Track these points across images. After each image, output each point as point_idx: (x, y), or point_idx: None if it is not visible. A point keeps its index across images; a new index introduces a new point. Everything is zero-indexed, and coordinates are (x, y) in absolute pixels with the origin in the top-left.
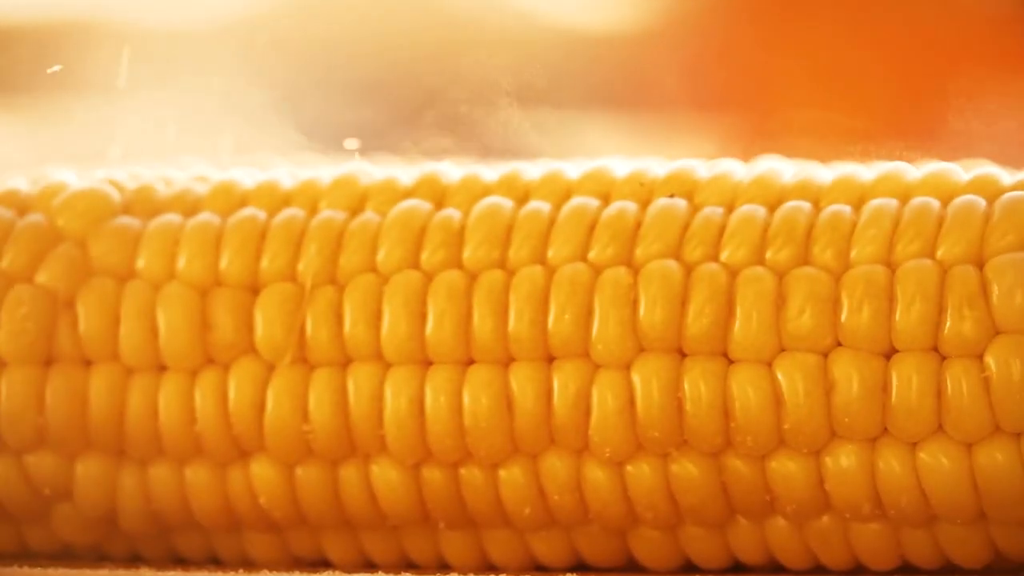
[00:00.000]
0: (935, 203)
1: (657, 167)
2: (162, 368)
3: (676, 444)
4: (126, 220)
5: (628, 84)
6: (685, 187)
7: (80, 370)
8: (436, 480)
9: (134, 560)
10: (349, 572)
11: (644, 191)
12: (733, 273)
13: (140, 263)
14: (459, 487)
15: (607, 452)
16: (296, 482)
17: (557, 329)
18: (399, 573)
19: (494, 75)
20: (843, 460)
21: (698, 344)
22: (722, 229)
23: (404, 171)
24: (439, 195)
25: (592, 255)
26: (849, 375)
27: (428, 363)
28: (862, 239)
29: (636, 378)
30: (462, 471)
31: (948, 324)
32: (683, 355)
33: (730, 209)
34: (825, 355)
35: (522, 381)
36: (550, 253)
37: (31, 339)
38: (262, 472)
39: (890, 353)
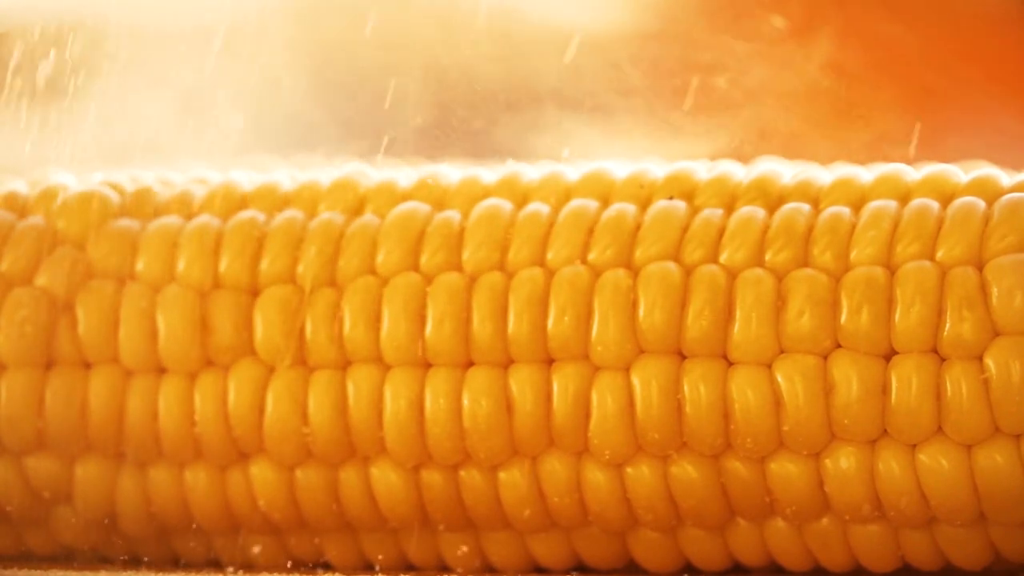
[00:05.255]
0: (934, 204)
1: (656, 169)
2: (161, 370)
3: (676, 446)
4: (125, 222)
5: (629, 84)
6: (684, 189)
7: (80, 372)
8: (436, 482)
9: (134, 562)
10: (349, 574)
11: (643, 193)
12: (732, 275)
13: (139, 265)
14: (459, 489)
15: (607, 454)
16: (296, 484)
17: (557, 331)
18: (399, 575)
19: (493, 76)
20: (843, 462)
21: (698, 346)
22: (721, 231)
23: (403, 173)
24: (438, 197)
25: (592, 257)
26: (849, 377)
27: (428, 365)
28: (861, 241)
29: (636, 380)
30: (462, 473)
31: (948, 326)
32: (683, 357)
33: (729, 211)
34: (825, 357)
35: (522, 383)
36: (549, 255)
37: (31, 341)
38: (262, 474)
39: (890, 355)
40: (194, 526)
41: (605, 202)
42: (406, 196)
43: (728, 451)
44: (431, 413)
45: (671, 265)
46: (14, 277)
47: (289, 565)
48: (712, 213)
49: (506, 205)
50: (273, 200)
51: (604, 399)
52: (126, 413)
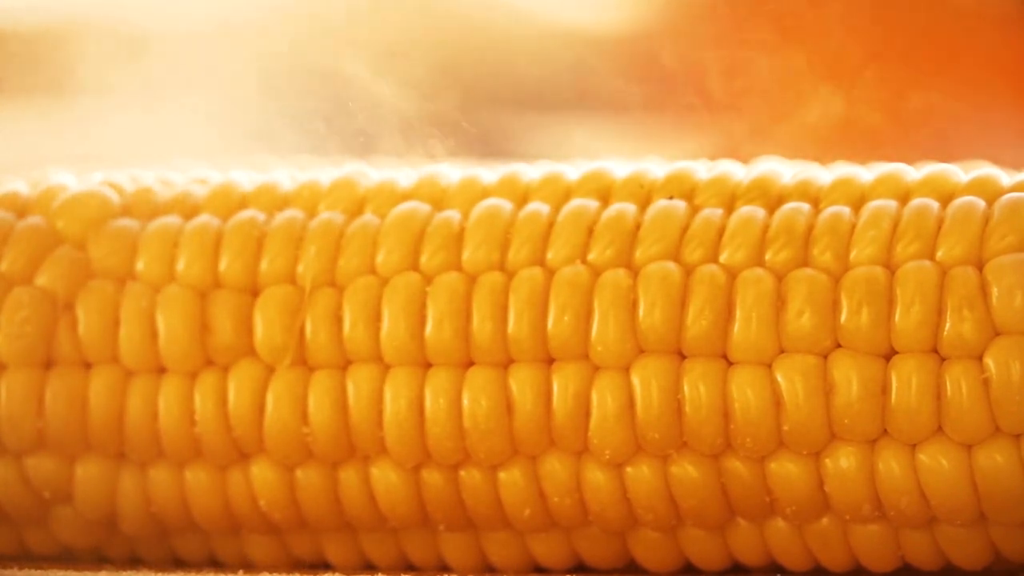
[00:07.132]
0: (934, 204)
1: (656, 168)
2: (162, 370)
3: (676, 446)
4: (125, 222)
5: (628, 84)
6: (684, 188)
7: (80, 372)
8: (436, 482)
9: (134, 562)
10: (349, 574)
11: (643, 192)
12: (732, 275)
13: (139, 265)
14: (459, 489)
15: (607, 454)
16: (296, 484)
17: (556, 331)
18: (399, 575)
19: (493, 76)
20: (843, 461)
21: (697, 346)
22: (721, 230)
23: (403, 173)
24: (438, 197)
25: (591, 257)
26: (849, 377)
27: (428, 365)
28: (861, 240)
29: (636, 380)
30: (462, 473)
31: (948, 325)
32: (683, 357)
33: (729, 210)
34: (825, 357)
35: (522, 383)
36: (549, 255)
37: (31, 341)
38: (262, 474)
39: (890, 355)
40: (194, 526)
41: (605, 202)
42: (406, 196)
43: (728, 451)
44: (431, 413)
45: (671, 265)
46: (14, 277)
47: (290, 565)
48: (712, 213)
49: (506, 205)
50: (273, 200)
51: (604, 399)
52: (126, 413)
